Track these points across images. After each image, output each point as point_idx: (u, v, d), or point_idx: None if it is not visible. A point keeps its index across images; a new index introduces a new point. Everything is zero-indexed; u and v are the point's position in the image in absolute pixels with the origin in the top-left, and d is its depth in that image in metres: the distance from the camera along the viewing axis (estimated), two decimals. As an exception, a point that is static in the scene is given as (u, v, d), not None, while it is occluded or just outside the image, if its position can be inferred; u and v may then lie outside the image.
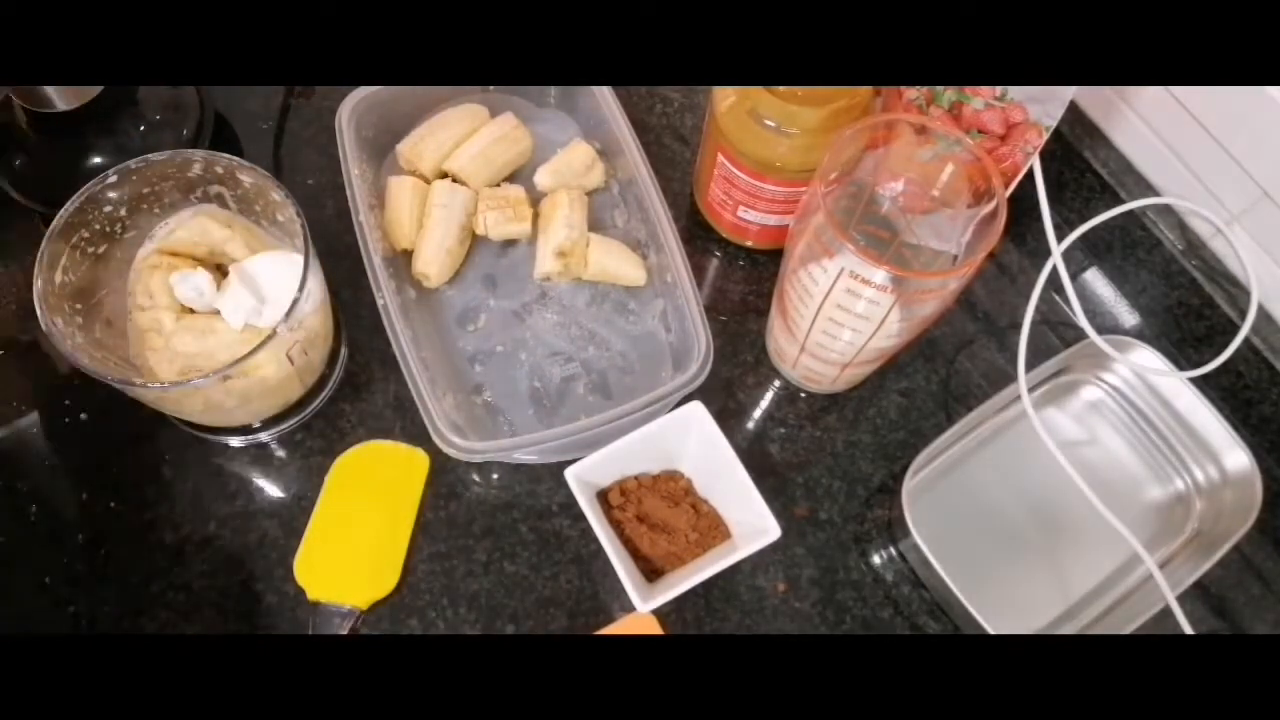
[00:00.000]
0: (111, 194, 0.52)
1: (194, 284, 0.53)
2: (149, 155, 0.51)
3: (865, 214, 0.54)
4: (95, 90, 0.56)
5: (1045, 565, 0.57)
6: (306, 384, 0.55)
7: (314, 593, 0.52)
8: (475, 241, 0.62)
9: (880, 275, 0.45)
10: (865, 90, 0.54)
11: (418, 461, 0.56)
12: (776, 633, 0.54)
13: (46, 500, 0.54)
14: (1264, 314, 0.59)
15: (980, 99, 0.55)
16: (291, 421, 0.56)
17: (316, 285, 0.50)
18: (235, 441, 0.56)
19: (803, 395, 0.61)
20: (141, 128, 0.59)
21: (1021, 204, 0.59)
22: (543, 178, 0.62)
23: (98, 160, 0.57)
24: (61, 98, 0.56)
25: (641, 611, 0.48)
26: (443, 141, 0.62)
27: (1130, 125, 0.62)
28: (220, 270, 0.55)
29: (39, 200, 0.58)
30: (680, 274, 0.56)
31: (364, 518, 0.54)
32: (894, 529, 0.56)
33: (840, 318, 0.50)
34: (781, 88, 0.52)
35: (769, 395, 0.61)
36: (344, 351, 0.59)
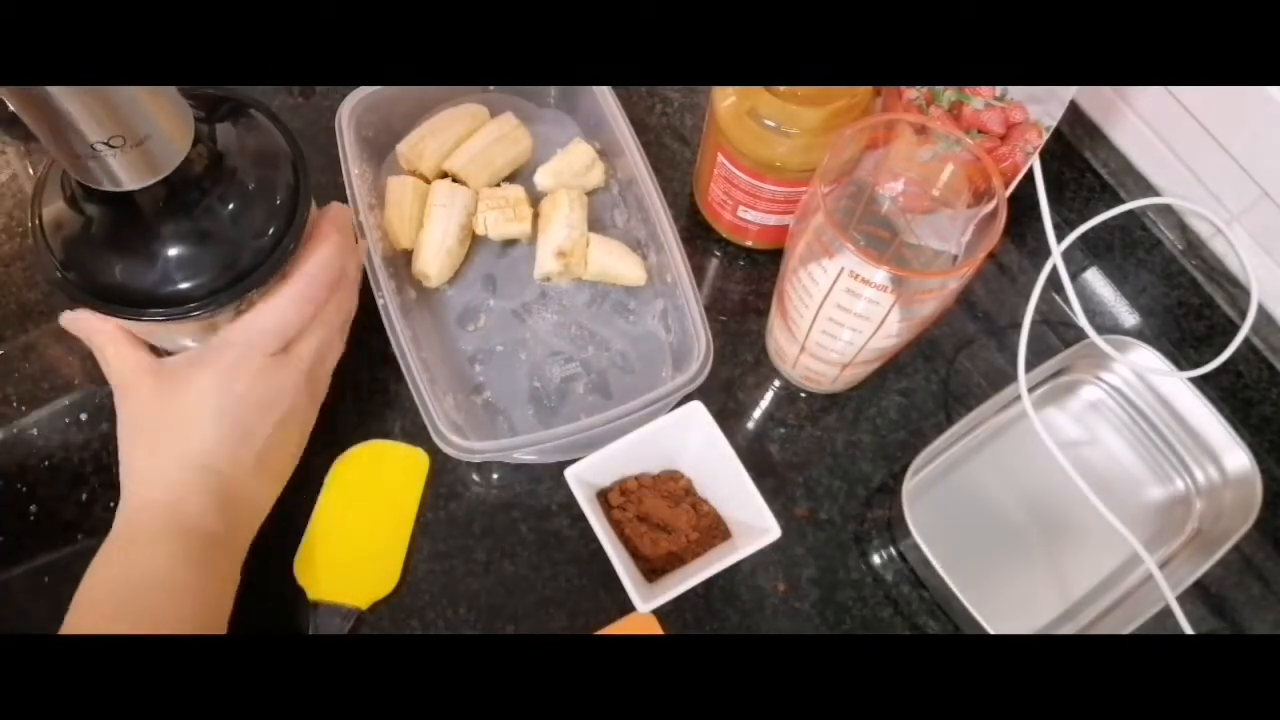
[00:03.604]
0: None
1: None
2: None
3: (865, 214, 0.54)
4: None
5: (1045, 565, 0.57)
6: None
7: (314, 593, 0.52)
8: (475, 241, 0.62)
9: (880, 275, 0.45)
10: (865, 90, 0.54)
11: (418, 461, 0.56)
12: (776, 633, 0.54)
13: (46, 500, 0.54)
14: (1264, 314, 0.59)
15: (980, 99, 0.55)
16: None
17: None
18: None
19: (803, 395, 0.61)
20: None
21: (1021, 204, 0.59)
22: (543, 178, 0.62)
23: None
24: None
25: (641, 611, 0.48)
26: (443, 141, 0.62)
27: (1130, 125, 0.62)
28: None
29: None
30: (680, 274, 0.56)
31: (364, 517, 0.54)
32: (894, 529, 0.56)
33: (840, 318, 0.50)
34: (781, 88, 0.52)
35: (769, 395, 0.61)
36: None
